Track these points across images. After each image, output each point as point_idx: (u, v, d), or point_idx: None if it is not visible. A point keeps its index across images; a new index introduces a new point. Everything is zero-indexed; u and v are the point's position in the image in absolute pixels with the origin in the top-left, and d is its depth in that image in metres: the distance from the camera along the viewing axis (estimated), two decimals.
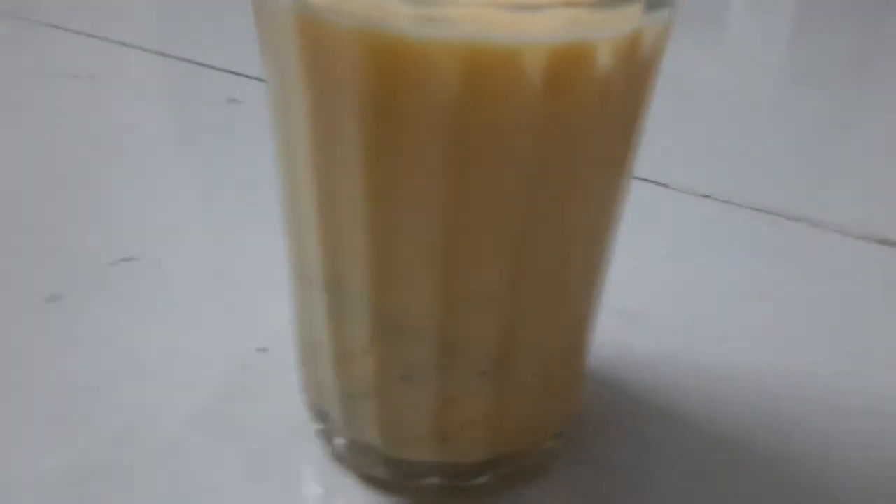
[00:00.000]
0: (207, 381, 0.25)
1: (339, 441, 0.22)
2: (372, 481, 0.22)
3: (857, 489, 0.23)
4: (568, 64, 0.16)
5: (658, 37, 0.17)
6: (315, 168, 0.18)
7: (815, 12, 0.55)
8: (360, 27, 0.15)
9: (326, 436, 0.23)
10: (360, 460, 0.22)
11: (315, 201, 0.18)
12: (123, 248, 0.30)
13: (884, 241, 0.34)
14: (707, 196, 0.37)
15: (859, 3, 0.56)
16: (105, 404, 0.24)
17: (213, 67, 0.43)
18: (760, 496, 0.23)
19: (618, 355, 0.27)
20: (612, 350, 0.27)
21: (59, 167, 0.36)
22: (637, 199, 0.36)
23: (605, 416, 0.25)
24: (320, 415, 0.23)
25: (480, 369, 0.20)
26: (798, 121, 0.44)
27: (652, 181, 0.38)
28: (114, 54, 0.45)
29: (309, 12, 0.16)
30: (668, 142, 0.41)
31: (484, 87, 0.15)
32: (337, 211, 0.18)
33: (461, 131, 0.16)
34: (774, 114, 0.45)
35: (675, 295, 0.31)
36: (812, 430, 0.25)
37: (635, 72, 0.17)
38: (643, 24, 0.16)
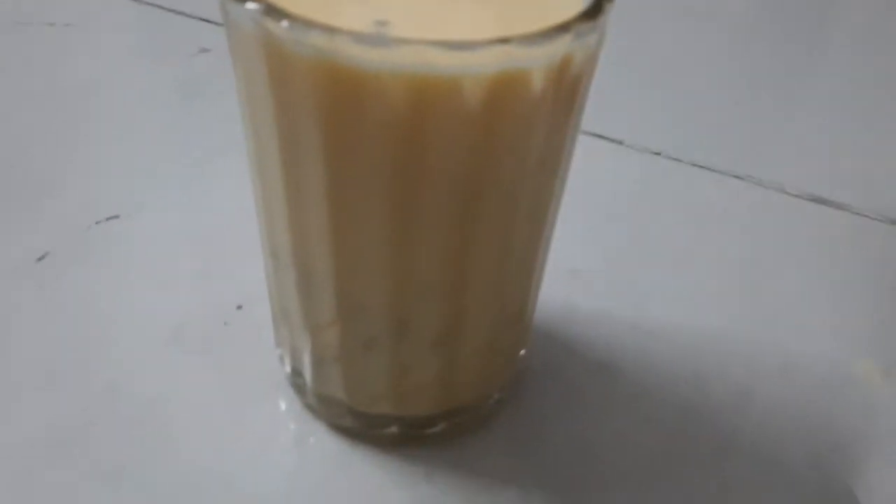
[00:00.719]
0: (191, 336, 0.28)
1: (310, 394, 0.25)
2: (339, 429, 0.25)
3: (770, 440, 0.27)
4: (502, 90, 0.18)
5: (587, 57, 0.19)
6: (282, 169, 0.20)
7: None
8: (318, 57, 0.17)
9: (299, 389, 0.26)
10: (328, 411, 0.25)
11: (283, 198, 0.20)
12: (107, 206, 0.32)
13: (819, 200, 0.37)
14: (658, 153, 0.39)
15: None
16: (93, 360, 0.27)
17: (187, 15, 0.44)
18: (680, 445, 0.26)
19: (561, 311, 0.30)
20: (556, 306, 0.30)
21: (38, 119, 0.37)
22: (592, 157, 0.38)
23: (547, 370, 0.28)
24: (293, 372, 0.25)
25: (431, 341, 0.22)
26: (752, 78, 0.46)
27: (608, 138, 0.40)
28: (90, 1, 0.46)
29: (273, 41, 0.18)
30: (626, 99, 0.43)
31: (427, 111, 0.17)
32: (302, 207, 0.20)
33: (408, 148, 0.18)
34: (730, 70, 0.46)
35: (617, 253, 0.33)
36: (730, 384, 0.28)
37: (566, 90, 0.19)
38: (573, 49, 0.18)
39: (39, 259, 0.30)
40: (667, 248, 0.34)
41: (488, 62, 0.17)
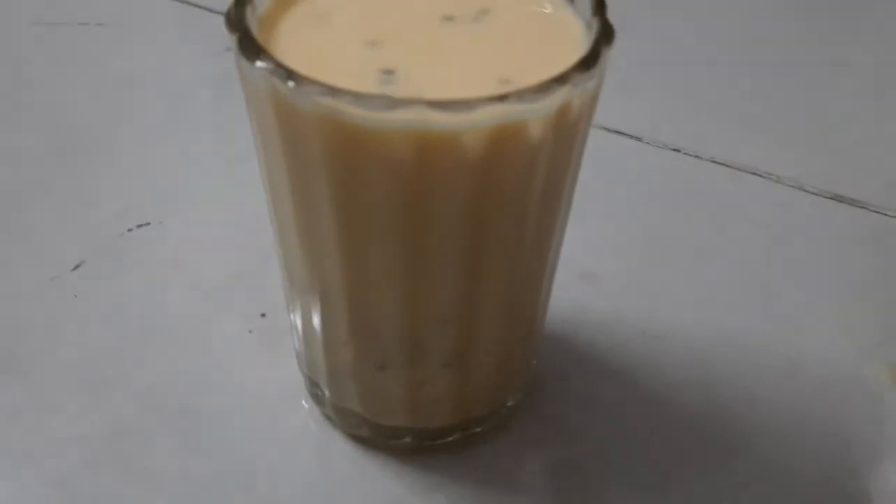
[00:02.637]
0: (216, 344, 0.29)
1: (328, 405, 0.27)
2: (356, 438, 0.27)
3: (779, 443, 0.28)
4: (501, 142, 0.18)
5: (586, 100, 0.20)
6: (294, 208, 0.21)
7: None
8: (323, 114, 0.18)
9: (317, 399, 0.27)
10: (345, 421, 0.27)
11: (296, 233, 0.22)
12: (138, 214, 0.34)
13: (838, 198, 0.37)
14: (677, 150, 0.39)
15: None
16: (126, 366, 0.29)
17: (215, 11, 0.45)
18: (690, 449, 0.27)
19: (573, 315, 0.31)
20: (567, 310, 0.31)
21: (71, 123, 0.39)
22: (610, 153, 0.39)
23: (558, 375, 0.29)
24: (312, 384, 0.27)
25: (443, 362, 0.24)
26: (773, 74, 0.45)
27: (627, 134, 0.40)
28: (122, 0, 0.47)
29: (281, 97, 0.18)
30: (646, 95, 0.43)
31: (429, 164, 0.18)
32: (315, 242, 0.21)
33: (413, 196, 0.19)
34: (751, 66, 0.46)
35: (631, 254, 0.34)
36: (740, 387, 0.29)
37: (565, 133, 0.20)
38: (571, 97, 0.19)
39: (75, 268, 0.32)
40: (682, 248, 0.35)
41: (486, 118, 0.18)
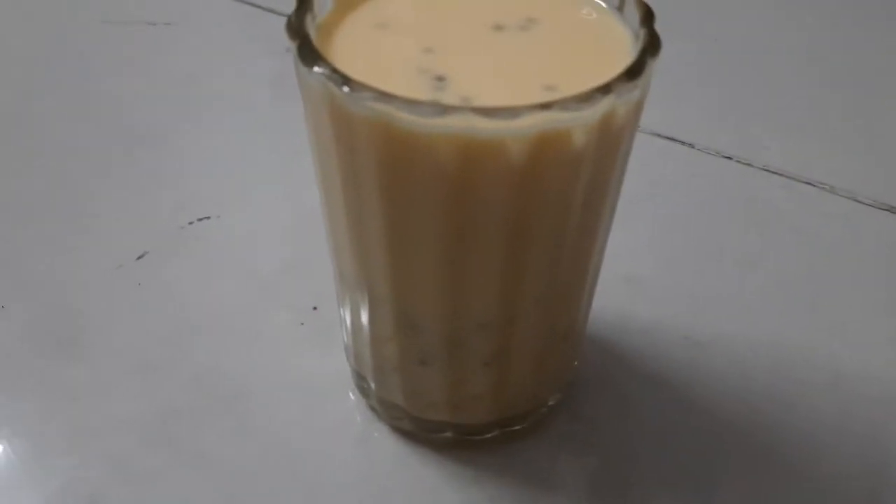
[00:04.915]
0: (269, 334, 0.31)
1: (373, 397, 0.28)
2: (399, 431, 0.28)
3: (814, 454, 0.28)
4: (545, 149, 0.19)
5: (631, 109, 0.20)
6: (346, 208, 0.22)
7: None
8: (375, 118, 0.19)
9: (363, 392, 0.28)
10: (389, 414, 0.27)
11: (347, 231, 0.22)
12: (198, 208, 0.35)
13: (892, 210, 0.37)
14: (729, 158, 0.39)
15: None
16: (183, 352, 0.30)
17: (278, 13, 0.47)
18: (724, 456, 0.27)
19: (615, 320, 0.31)
20: (610, 315, 0.31)
21: (138, 120, 0.40)
22: (662, 160, 0.39)
23: (600, 379, 0.29)
24: (359, 376, 0.28)
25: (484, 360, 0.24)
26: (828, 80, 0.45)
27: (679, 141, 0.40)
28: (190, 1, 0.49)
29: (336, 100, 0.19)
30: (699, 101, 0.43)
31: (474, 168, 0.19)
32: (364, 240, 0.22)
33: (458, 199, 0.20)
34: (806, 72, 0.45)
35: (677, 260, 0.34)
36: (778, 398, 0.29)
37: (609, 142, 0.20)
38: (615, 106, 0.19)
39: (139, 258, 0.33)
40: (729, 256, 0.35)
41: (530, 125, 0.18)
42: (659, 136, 0.40)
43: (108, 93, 0.42)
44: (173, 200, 0.36)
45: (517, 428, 0.27)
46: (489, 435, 0.27)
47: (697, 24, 0.48)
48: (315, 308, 0.31)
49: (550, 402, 0.28)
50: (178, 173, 0.38)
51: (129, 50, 0.45)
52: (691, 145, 0.40)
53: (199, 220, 0.35)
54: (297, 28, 0.20)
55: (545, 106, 0.18)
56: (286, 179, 0.37)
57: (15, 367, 0.30)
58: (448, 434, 0.27)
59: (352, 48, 0.21)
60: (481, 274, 0.22)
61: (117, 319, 0.31)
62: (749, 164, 0.39)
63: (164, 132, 0.40)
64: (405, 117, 0.18)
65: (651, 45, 0.20)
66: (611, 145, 0.21)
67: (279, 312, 0.31)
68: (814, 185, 0.38)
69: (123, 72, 0.44)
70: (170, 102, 0.41)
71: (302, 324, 0.31)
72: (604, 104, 0.19)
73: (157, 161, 0.38)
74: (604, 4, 0.23)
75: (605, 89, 0.19)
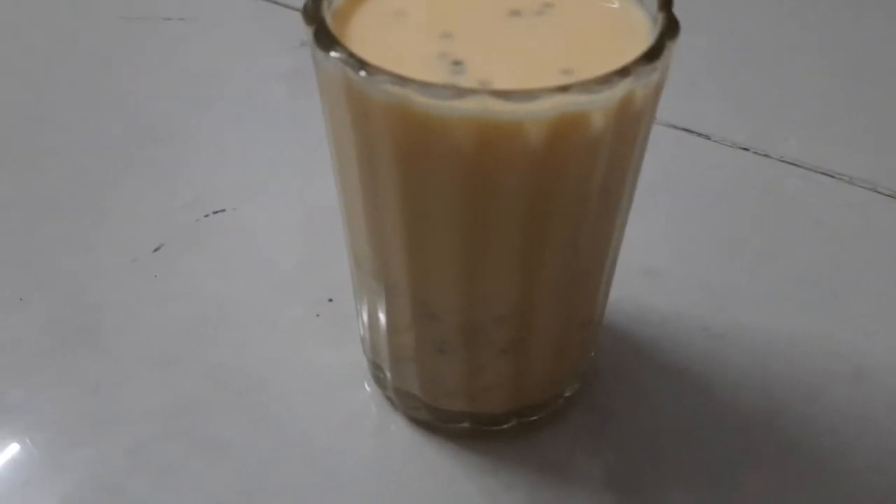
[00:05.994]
0: (285, 326, 0.31)
1: (390, 388, 0.27)
2: (416, 421, 0.28)
3: (834, 447, 0.27)
4: (563, 132, 0.19)
5: (650, 92, 0.20)
6: (363, 194, 0.22)
7: None
8: (392, 102, 0.19)
9: (379, 382, 0.28)
10: (405, 404, 0.27)
11: (363, 218, 0.22)
12: (214, 201, 0.35)
13: None
14: (746, 149, 0.39)
15: None
16: (199, 343, 0.30)
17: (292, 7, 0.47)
18: (742, 448, 0.27)
19: (633, 311, 0.31)
20: (628, 306, 0.31)
21: (155, 111, 0.41)
22: (678, 151, 0.39)
23: (616, 369, 0.29)
24: (375, 367, 0.28)
25: (501, 348, 0.24)
26: (846, 71, 0.44)
27: (695, 132, 0.40)
28: None
29: (353, 85, 0.19)
30: (715, 92, 0.42)
31: (492, 152, 0.19)
32: (381, 227, 0.22)
33: (475, 183, 0.20)
34: (823, 62, 0.45)
35: (695, 252, 0.34)
36: (798, 389, 0.29)
37: (627, 125, 0.20)
38: (634, 89, 0.19)
39: (156, 250, 0.33)
40: (748, 247, 0.34)
41: (548, 108, 0.18)
42: (675, 127, 0.40)
43: (124, 88, 0.42)
44: (189, 193, 0.36)
45: (534, 418, 0.27)
46: (506, 425, 0.27)
47: (713, 15, 0.47)
48: (330, 300, 0.31)
49: (567, 393, 0.28)
50: (193, 167, 0.38)
51: (144, 45, 0.45)
52: (707, 137, 0.40)
53: (215, 212, 0.35)
54: (313, 13, 0.20)
55: (563, 88, 0.18)
56: (301, 172, 0.37)
57: (34, 359, 0.30)
58: (465, 424, 0.27)
59: (368, 34, 0.21)
60: (499, 260, 0.21)
61: (134, 312, 0.31)
62: (766, 155, 0.39)
63: (179, 126, 0.40)
64: (422, 101, 0.18)
65: (669, 29, 0.20)
66: (629, 130, 0.20)
67: (294, 304, 0.31)
68: (832, 176, 0.37)
69: (139, 67, 0.44)
70: (185, 97, 0.42)
71: (317, 315, 0.31)
72: (622, 87, 0.19)
73: (173, 154, 0.38)
74: None
75: (624, 72, 0.19)
